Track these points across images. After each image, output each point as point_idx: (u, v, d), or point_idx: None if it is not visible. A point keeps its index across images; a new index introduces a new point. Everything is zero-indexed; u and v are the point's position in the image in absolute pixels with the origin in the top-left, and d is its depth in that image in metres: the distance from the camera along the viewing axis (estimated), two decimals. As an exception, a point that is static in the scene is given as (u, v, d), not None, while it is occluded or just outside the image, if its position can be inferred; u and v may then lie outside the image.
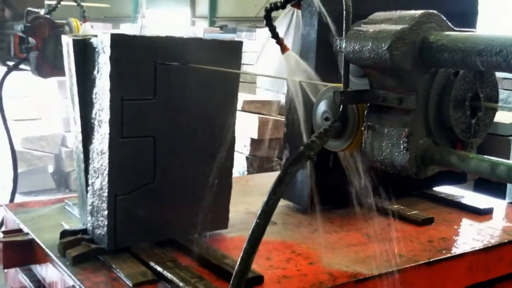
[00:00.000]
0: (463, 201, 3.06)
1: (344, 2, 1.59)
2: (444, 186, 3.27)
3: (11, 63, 4.45)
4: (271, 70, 2.56)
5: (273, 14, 1.97)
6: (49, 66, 4.06)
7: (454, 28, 1.56)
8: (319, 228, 2.61)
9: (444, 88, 1.55)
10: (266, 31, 1.99)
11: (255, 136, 6.21)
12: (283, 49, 1.99)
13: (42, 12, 4.23)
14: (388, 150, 1.55)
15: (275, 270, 2.15)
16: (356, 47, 1.53)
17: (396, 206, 2.81)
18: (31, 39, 4.06)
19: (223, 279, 2.02)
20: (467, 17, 3.10)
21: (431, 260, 2.30)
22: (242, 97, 6.33)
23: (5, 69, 4.44)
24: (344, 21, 1.59)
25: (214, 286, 1.93)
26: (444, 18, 1.55)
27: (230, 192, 2.46)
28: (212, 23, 21.10)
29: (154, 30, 11.70)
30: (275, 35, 1.98)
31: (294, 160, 1.54)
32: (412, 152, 1.52)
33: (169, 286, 1.97)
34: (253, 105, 6.47)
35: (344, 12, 1.60)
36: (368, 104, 1.62)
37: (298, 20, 2.46)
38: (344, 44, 1.56)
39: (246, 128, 6.12)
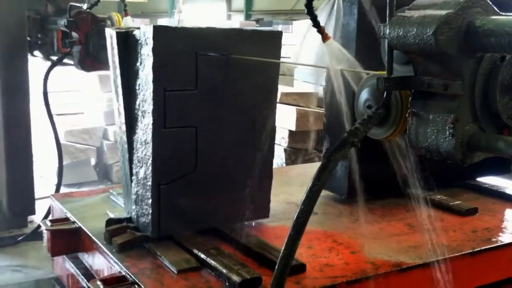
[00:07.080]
0: (508, 191, 3.01)
1: (387, -12, 1.58)
2: (488, 177, 3.22)
3: (54, 58, 4.55)
4: (310, 62, 2.55)
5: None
6: (91, 60, 4.15)
7: (500, 13, 1.53)
8: (360, 218, 2.60)
9: (491, 73, 1.52)
10: (302, 24, 1.99)
11: (293, 128, 6.20)
12: (324, 38, 1.98)
13: (84, 6, 4.32)
14: (433, 137, 1.54)
15: (317, 258, 2.16)
16: (400, 33, 1.51)
17: (439, 197, 2.77)
18: (74, 34, 4.15)
19: (266, 266, 2.04)
20: (510, 5, 3.03)
21: (475, 250, 2.27)
22: (280, 89, 6.24)
23: (49, 63, 4.54)
24: (388, 7, 1.58)
25: (257, 273, 1.95)
26: (490, 3, 1.52)
27: (271, 182, 2.47)
28: (248, 17, 21.07)
29: (192, 25, 11.78)
30: (316, 24, 1.97)
31: (338, 146, 1.54)
32: (458, 138, 1.50)
33: (213, 273, 2.00)
34: (291, 97, 6.46)
35: (388, -2, 1.58)
36: (413, 91, 1.60)
37: (338, 9, 2.45)
38: (388, 30, 1.55)
39: (284, 120, 6.12)
